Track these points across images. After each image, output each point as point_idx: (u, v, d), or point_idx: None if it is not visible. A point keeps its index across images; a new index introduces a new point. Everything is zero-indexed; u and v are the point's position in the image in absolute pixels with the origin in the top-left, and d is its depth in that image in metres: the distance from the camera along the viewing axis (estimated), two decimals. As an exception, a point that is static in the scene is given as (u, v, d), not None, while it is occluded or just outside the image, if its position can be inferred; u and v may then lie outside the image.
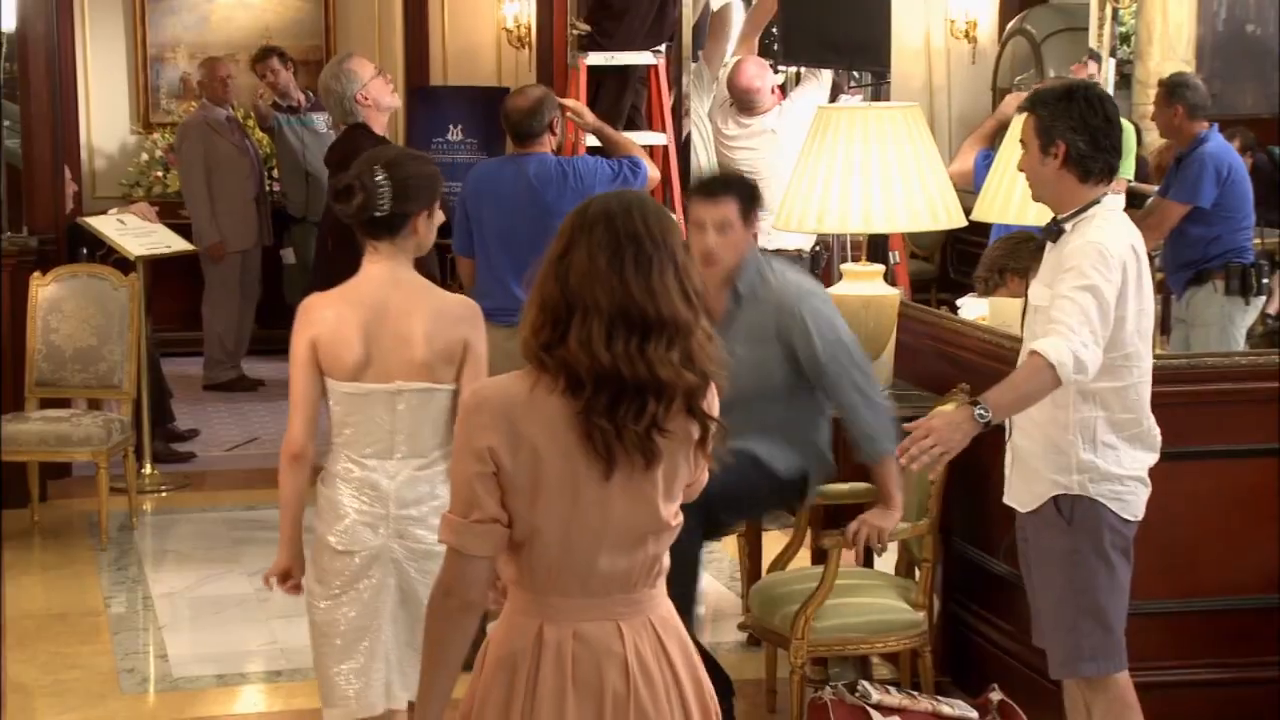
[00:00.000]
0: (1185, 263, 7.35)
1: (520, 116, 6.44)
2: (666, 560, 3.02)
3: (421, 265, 6.80)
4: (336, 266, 7.53)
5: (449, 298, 4.24)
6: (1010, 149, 5.70)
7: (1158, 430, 4.31)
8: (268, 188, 10.84)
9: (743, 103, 7.78)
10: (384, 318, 4.09)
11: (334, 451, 4.18)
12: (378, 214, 4.09)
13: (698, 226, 4.95)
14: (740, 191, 4.98)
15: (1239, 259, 7.25)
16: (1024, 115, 4.36)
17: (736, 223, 4.92)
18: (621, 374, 2.81)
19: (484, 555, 2.92)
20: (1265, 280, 7.32)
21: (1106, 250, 4.14)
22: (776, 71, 8.44)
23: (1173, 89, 7.36)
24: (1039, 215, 5.12)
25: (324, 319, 4.11)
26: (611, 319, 2.81)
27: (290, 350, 4.13)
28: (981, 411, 4.05)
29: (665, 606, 3.04)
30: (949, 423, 4.07)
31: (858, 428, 5.04)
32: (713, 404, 2.96)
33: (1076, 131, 4.23)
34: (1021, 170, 4.38)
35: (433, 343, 4.07)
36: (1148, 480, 4.31)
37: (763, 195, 5.14)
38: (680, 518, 3.00)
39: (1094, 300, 4.10)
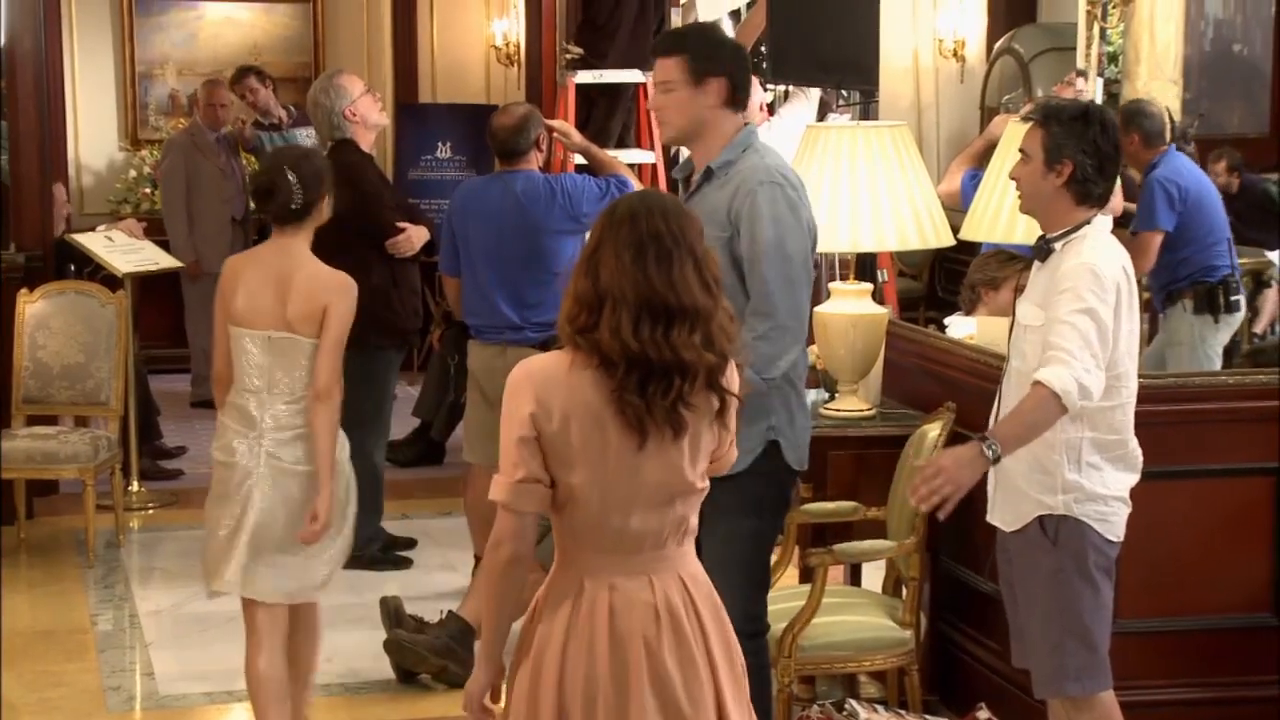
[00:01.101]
0: (1159, 285, 7.37)
1: (506, 134, 6.45)
2: (694, 521, 3.35)
3: (405, 279, 6.85)
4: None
5: (324, 270, 4.99)
6: (999, 167, 5.71)
7: (1140, 451, 4.32)
8: (253, 207, 10.83)
9: None
10: (269, 280, 4.92)
11: (234, 385, 5.02)
12: (294, 207, 4.93)
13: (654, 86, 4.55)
14: (693, 47, 4.45)
15: (1205, 278, 7.26)
16: (1028, 126, 4.32)
17: (680, 81, 4.43)
18: (649, 357, 3.16)
19: (529, 511, 3.28)
20: (1235, 297, 7.32)
21: (1100, 272, 4.15)
22: (765, 89, 8.45)
23: (1129, 117, 7.37)
24: (1027, 233, 5.13)
25: (229, 275, 5.02)
26: (638, 309, 3.17)
27: (215, 297, 5.08)
28: (990, 447, 4.05)
29: (695, 565, 3.39)
30: (958, 461, 4.06)
31: (744, 337, 4.12)
32: (732, 380, 3.30)
33: (1087, 154, 4.21)
34: (1014, 179, 4.34)
35: (297, 302, 4.88)
36: (1129, 501, 4.31)
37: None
38: (706, 482, 3.33)
39: (1092, 323, 4.10)
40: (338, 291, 4.95)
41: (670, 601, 3.30)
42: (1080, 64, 8.85)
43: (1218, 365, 7.29)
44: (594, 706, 3.27)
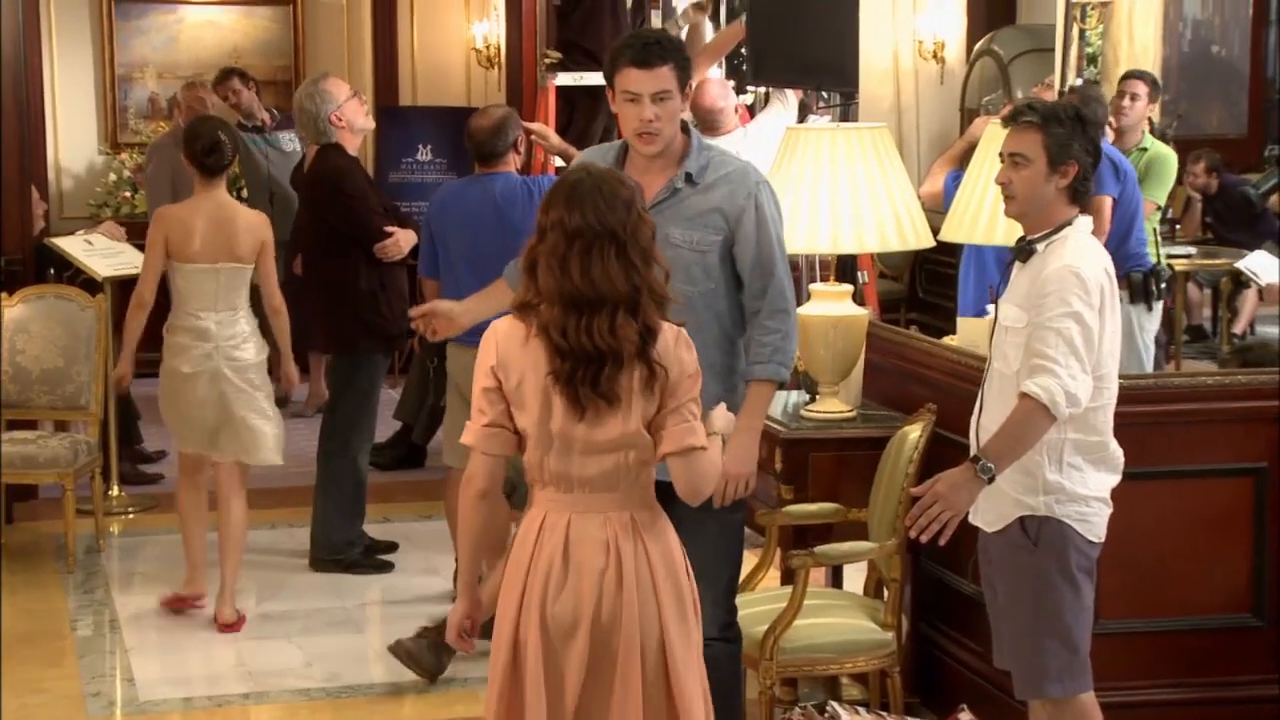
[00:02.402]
0: None
1: (484, 136, 6.45)
2: (648, 457, 3.66)
3: (393, 283, 6.95)
4: (308, 288, 7.58)
5: (249, 213, 6.72)
6: (979, 169, 5.72)
7: (1121, 452, 4.32)
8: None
9: (705, 122, 7.68)
10: (212, 224, 6.53)
11: (176, 311, 6.59)
12: (225, 162, 6.57)
13: (632, 99, 4.41)
14: (676, 57, 4.44)
15: (1138, 267, 7.27)
16: (1012, 129, 4.27)
17: (675, 91, 4.41)
18: (574, 349, 3.58)
19: (492, 453, 3.75)
20: (1163, 285, 7.35)
21: (1083, 275, 4.15)
22: (745, 92, 8.45)
23: (1086, 100, 7.35)
24: (1007, 235, 5.13)
25: (174, 223, 6.58)
26: (563, 304, 3.59)
27: (147, 241, 6.63)
28: (985, 466, 4.08)
29: (654, 512, 3.74)
30: (952, 485, 4.09)
31: (770, 339, 4.51)
32: (670, 352, 3.64)
33: (1088, 153, 4.22)
34: (1005, 183, 4.28)
35: (243, 240, 6.54)
36: (1110, 501, 4.32)
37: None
38: (648, 439, 3.65)
39: (1077, 327, 4.10)
40: (266, 227, 6.65)
41: (620, 541, 3.67)
42: (1059, 65, 8.85)
43: (1152, 353, 7.31)
44: (541, 632, 3.65)
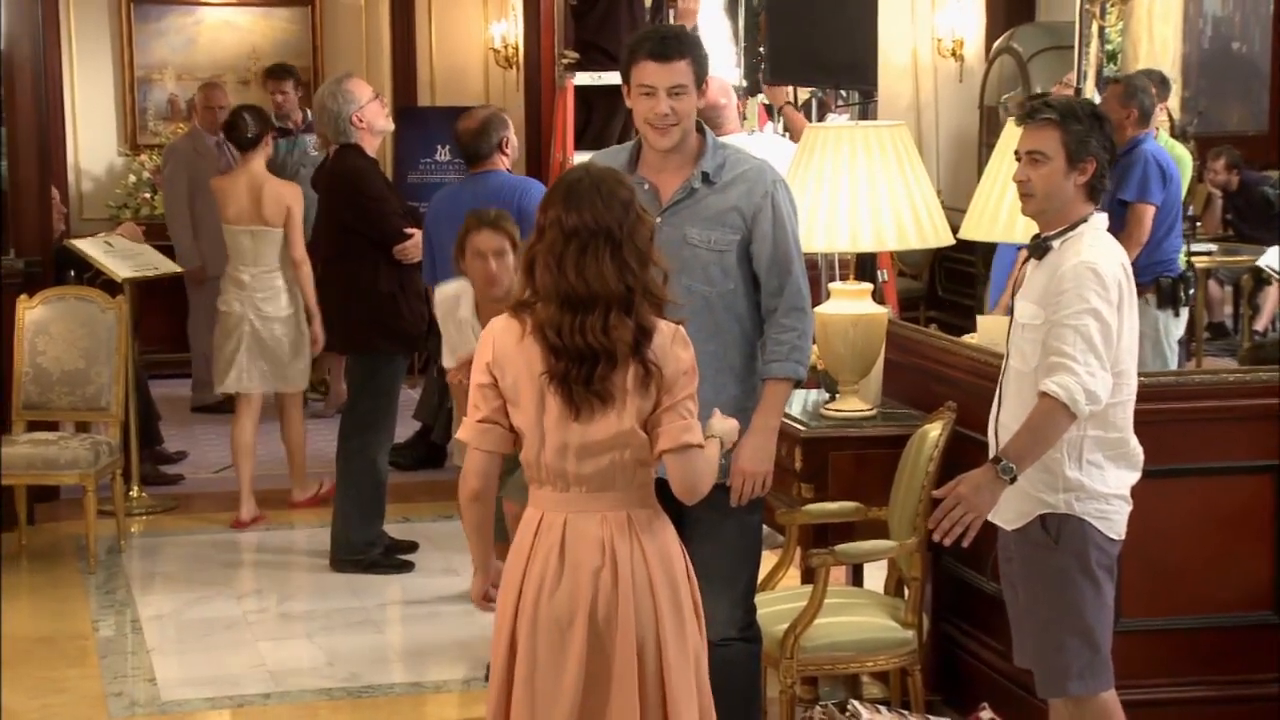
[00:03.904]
0: None
1: (469, 139, 6.48)
2: (644, 456, 3.65)
3: (412, 285, 6.98)
4: (324, 288, 7.58)
5: (278, 183, 8.02)
6: (997, 166, 5.71)
7: (1140, 449, 4.31)
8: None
9: (706, 120, 7.61)
10: (245, 192, 7.92)
11: (228, 263, 8.08)
12: (250, 136, 7.92)
13: (647, 92, 4.38)
14: (694, 52, 4.41)
15: (1168, 273, 7.24)
16: (1040, 126, 4.24)
17: (690, 87, 4.40)
18: (568, 348, 3.59)
19: (486, 450, 3.74)
20: (1191, 291, 7.32)
21: (1100, 271, 4.13)
22: (764, 88, 8.39)
23: (1132, 91, 7.32)
24: (1026, 232, 5.12)
25: (218, 191, 8.12)
26: (559, 303, 3.59)
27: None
28: (1006, 467, 4.07)
29: (651, 511, 3.73)
30: (975, 487, 4.08)
31: (787, 337, 4.48)
32: (667, 351, 3.62)
33: (1105, 150, 4.22)
34: (1023, 180, 4.27)
35: (271, 206, 7.86)
36: (1130, 499, 4.30)
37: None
38: (644, 438, 3.63)
39: (1096, 324, 4.09)
40: (293, 196, 7.92)
41: (616, 540, 3.66)
42: (1079, 62, 8.84)
43: (1176, 357, 7.30)
44: (536, 630, 3.67)
